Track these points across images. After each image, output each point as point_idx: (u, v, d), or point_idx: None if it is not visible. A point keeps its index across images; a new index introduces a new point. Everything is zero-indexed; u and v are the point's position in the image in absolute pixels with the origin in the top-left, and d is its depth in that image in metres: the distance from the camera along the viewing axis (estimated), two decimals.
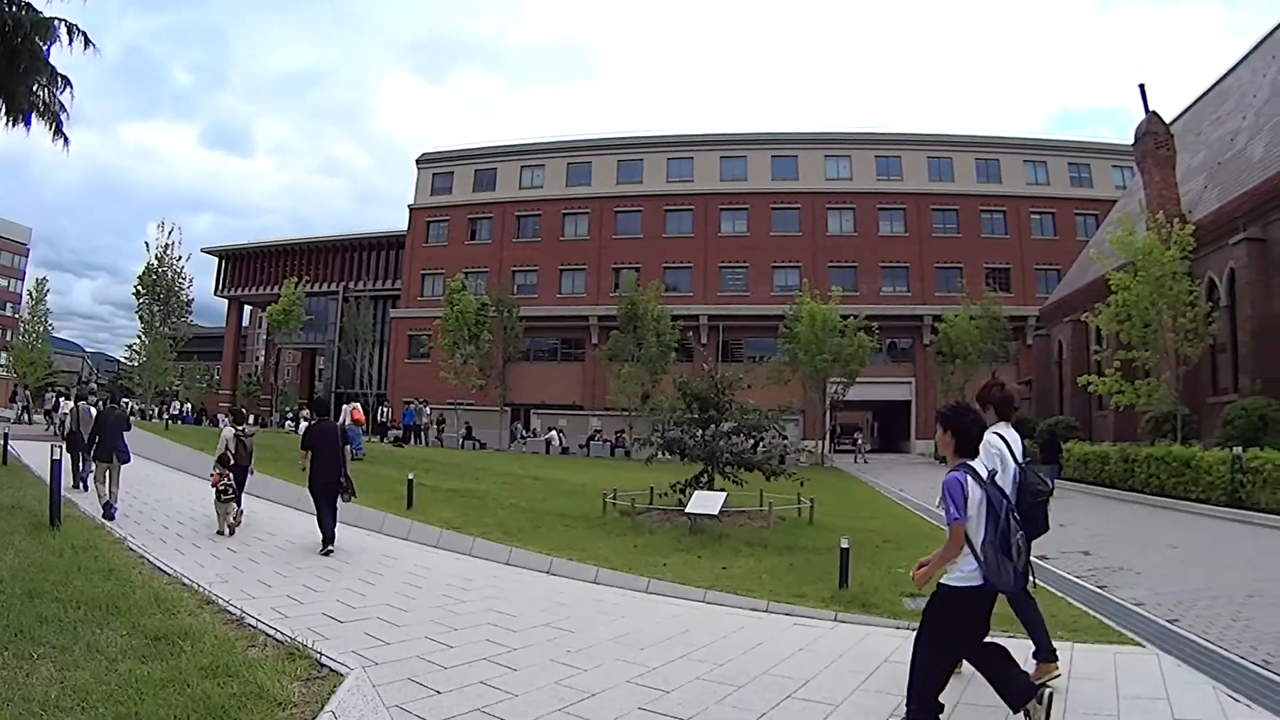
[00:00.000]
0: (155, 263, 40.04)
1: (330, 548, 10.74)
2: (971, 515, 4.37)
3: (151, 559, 7.40)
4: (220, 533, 11.57)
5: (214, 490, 11.86)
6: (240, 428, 13.48)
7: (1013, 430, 5.65)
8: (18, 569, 6.31)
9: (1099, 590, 9.01)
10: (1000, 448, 5.38)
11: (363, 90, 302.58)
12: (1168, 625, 7.29)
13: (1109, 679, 5.77)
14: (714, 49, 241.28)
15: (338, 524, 10.89)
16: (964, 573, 4.40)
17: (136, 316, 41.40)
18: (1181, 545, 12.39)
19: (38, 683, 3.73)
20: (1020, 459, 5.46)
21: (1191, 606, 8.01)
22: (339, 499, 11.17)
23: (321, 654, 4.23)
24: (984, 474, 4.50)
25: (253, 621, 4.96)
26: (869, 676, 5.94)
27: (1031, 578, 5.42)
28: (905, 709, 4.55)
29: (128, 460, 13.10)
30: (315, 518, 11.04)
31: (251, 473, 13.18)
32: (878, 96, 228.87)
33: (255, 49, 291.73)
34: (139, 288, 40.64)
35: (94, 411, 14.40)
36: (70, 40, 11.46)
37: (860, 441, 46.65)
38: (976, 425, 4.69)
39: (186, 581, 6.31)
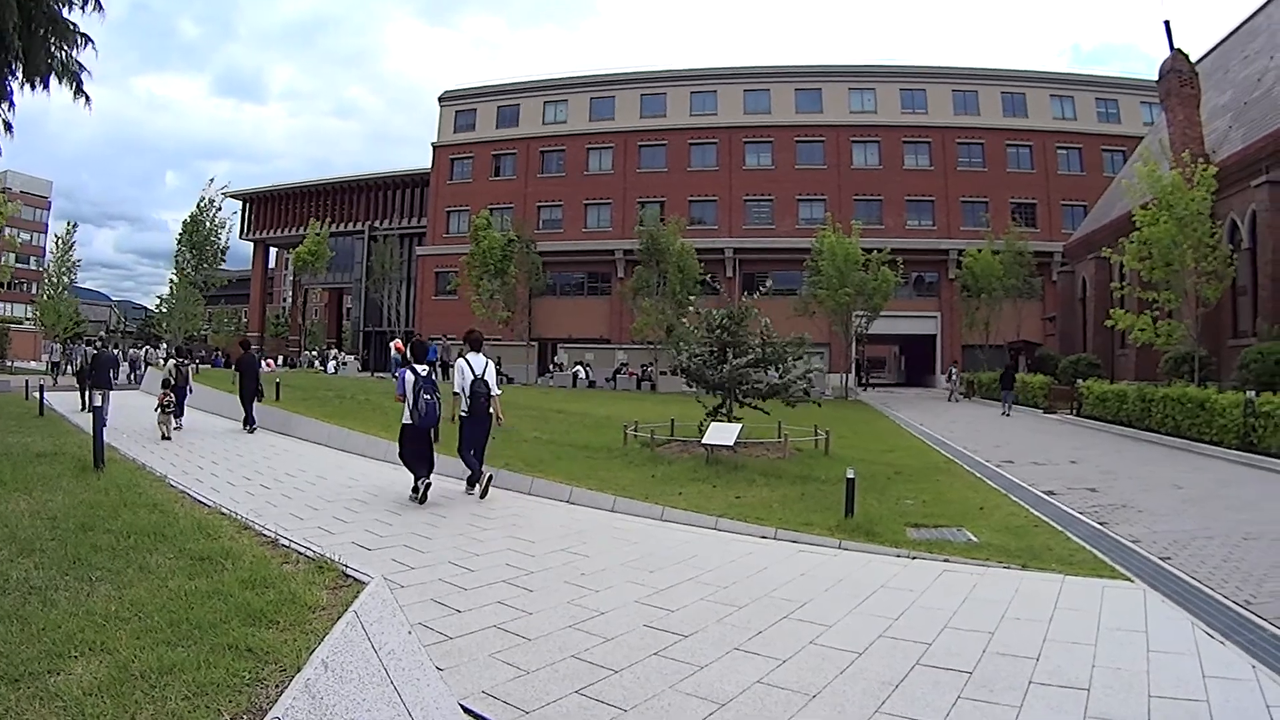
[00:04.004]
0: (197, 212, 41.03)
1: (251, 428, 16.99)
2: (406, 389, 9.75)
3: (192, 494, 7.82)
4: (164, 438, 15.10)
5: (158, 407, 15.75)
6: (180, 360, 19.39)
7: (477, 356, 10.38)
8: (69, 507, 6.67)
9: (1099, 526, 9.25)
10: (463, 366, 10.29)
11: (370, 35, 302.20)
12: (1160, 562, 7.50)
13: (1093, 611, 6.00)
14: None
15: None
16: (405, 416, 9.85)
17: (174, 263, 42.54)
18: (1188, 486, 12.48)
19: (98, 599, 4.11)
20: (476, 373, 10.18)
21: (1186, 545, 8.23)
22: (256, 400, 17.52)
23: (347, 566, 4.62)
24: (422, 371, 9.88)
25: (286, 542, 5.35)
26: (864, 601, 6.25)
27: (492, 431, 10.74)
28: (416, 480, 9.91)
29: (111, 388, 17.88)
30: (242, 408, 17.31)
31: (190, 391, 18.54)
32: (899, 28, 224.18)
33: None
34: (180, 241, 41.77)
35: (93, 353, 19.53)
36: (84, 4, 11.60)
37: (956, 379, 40.86)
38: (418, 348, 10.60)
39: (225, 511, 6.71)
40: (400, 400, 9.94)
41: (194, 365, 22.09)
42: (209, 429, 17.66)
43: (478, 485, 10.46)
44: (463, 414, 10.28)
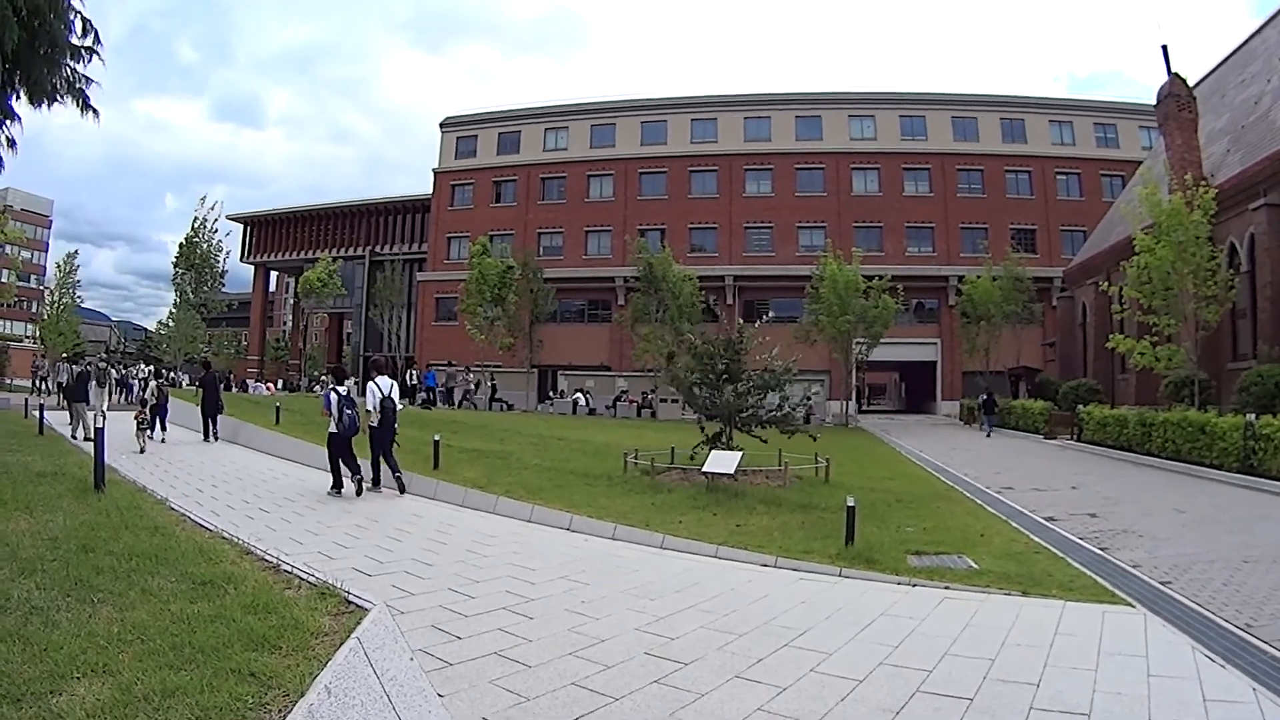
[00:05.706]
0: (192, 234, 41.09)
1: (211, 440, 19.12)
2: (331, 406, 12.06)
3: (193, 517, 7.83)
4: (138, 451, 16.25)
5: (135, 422, 17.19)
6: (159, 381, 21.84)
7: (384, 378, 12.69)
8: (70, 528, 6.68)
9: (1100, 552, 9.22)
10: (372, 389, 12.44)
11: (366, 63, 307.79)
12: (1160, 587, 7.47)
13: (1093, 636, 5.97)
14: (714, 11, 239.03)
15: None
16: (333, 425, 12.04)
17: (173, 286, 42.58)
18: (1189, 510, 12.42)
19: (100, 621, 4.13)
20: (384, 393, 12.40)
21: (1186, 570, 8.19)
22: (219, 414, 19.60)
23: (349, 592, 4.62)
24: (343, 391, 12.41)
25: (288, 568, 5.36)
26: (864, 629, 6.23)
27: (395, 439, 12.84)
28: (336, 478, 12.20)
29: (86, 402, 19.33)
30: (203, 426, 19.49)
31: (167, 411, 19.87)
32: (898, 56, 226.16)
33: (256, 25, 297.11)
34: (176, 261, 41.77)
35: (78, 371, 21.38)
36: (84, 34, 11.79)
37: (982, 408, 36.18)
38: (337, 373, 14.46)
39: (226, 535, 6.73)
40: (326, 415, 12.39)
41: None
42: (191, 442, 19.22)
43: (380, 485, 12.85)
44: (373, 425, 12.49)
